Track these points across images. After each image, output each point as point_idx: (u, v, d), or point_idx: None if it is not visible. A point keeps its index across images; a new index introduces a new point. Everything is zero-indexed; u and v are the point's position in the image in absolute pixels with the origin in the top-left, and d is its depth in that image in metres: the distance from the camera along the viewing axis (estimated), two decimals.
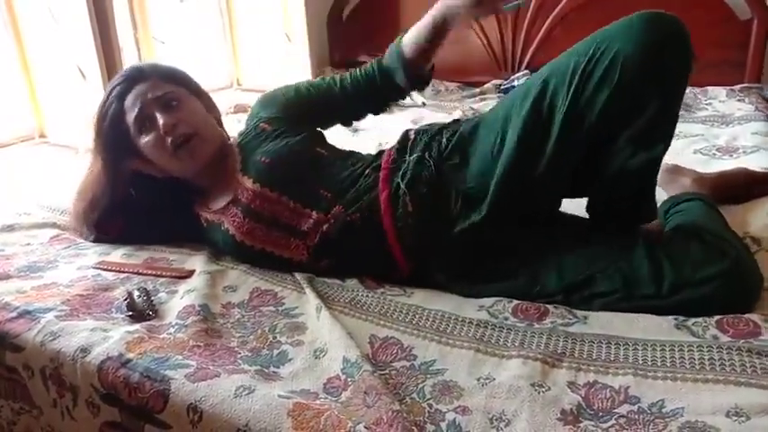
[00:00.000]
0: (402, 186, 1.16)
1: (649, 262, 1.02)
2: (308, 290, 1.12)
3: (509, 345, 0.95)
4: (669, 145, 1.07)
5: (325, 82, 1.36)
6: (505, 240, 1.12)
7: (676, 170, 1.44)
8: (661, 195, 1.29)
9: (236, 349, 0.99)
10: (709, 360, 0.86)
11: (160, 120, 1.25)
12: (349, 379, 0.88)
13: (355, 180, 1.21)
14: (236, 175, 1.28)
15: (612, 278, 1.03)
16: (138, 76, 1.30)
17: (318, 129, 1.38)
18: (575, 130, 1.05)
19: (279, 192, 1.22)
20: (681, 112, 2.16)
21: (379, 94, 1.35)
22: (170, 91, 1.29)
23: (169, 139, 1.25)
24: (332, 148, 1.34)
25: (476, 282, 1.12)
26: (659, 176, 1.17)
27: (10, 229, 1.49)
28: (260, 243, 1.22)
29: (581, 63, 1.02)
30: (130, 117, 1.27)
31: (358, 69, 1.35)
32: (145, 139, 1.27)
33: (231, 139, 1.37)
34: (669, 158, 1.70)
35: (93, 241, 1.41)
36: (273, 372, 0.93)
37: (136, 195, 1.34)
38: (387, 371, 0.90)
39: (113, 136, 1.29)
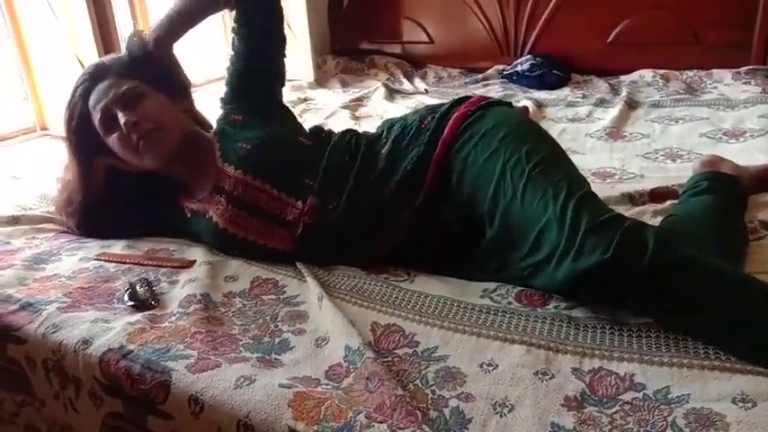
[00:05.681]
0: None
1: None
2: (309, 278, 1.11)
3: (512, 330, 0.94)
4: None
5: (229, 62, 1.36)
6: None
7: (716, 159, 1.41)
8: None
9: (238, 336, 0.99)
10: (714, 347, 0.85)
11: (122, 118, 1.24)
12: (351, 366, 0.88)
13: (335, 169, 1.20)
14: (217, 163, 1.27)
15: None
16: (100, 74, 1.29)
17: (280, 106, 1.39)
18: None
19: (261, 179, 1.21)
20: (686, 96, 2.18)
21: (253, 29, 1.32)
22: (130, 87, 1.27)
23: (134, 137, 1.24)
24: (314, 135, 1.33)
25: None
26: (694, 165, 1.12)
27: (15, 221, 1.48)
28: (242, 231, 1.21)
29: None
30: (96, 119, 1.27)
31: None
32: (111, 138, 1.27)
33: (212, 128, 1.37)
34: (681, 145, 1.71)
35: (82, 235, 1.40)
36: (275, 359, 0.93)
37: (114, 190, 1.34)
38: (389, 358, 0.90)
39: (83, 135, 1.30)
